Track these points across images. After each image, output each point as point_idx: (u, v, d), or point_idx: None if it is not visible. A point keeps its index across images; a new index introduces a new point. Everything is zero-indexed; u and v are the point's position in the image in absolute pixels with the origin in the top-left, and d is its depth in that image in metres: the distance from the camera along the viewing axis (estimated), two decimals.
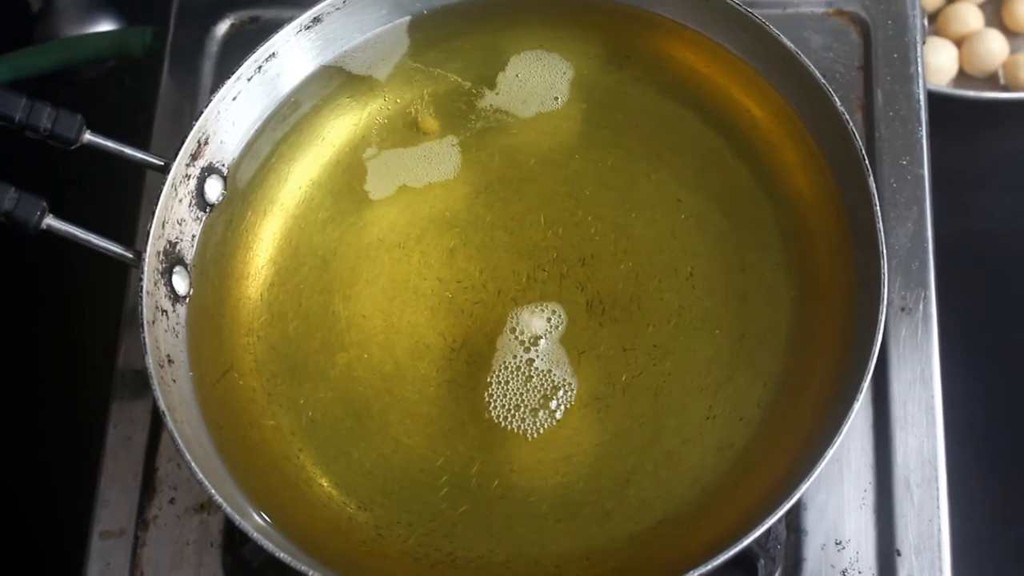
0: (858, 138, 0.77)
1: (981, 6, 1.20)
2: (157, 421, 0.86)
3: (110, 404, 0.87)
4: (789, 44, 0.80)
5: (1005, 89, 1.16)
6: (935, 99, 0.95)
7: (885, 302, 0.73)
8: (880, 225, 0.75)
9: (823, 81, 0.79)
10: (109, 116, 0.86)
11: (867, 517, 0.81)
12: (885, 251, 0.74)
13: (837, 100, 0.78)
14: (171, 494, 0.85)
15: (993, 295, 1.06)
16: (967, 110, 1.13)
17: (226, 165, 0.85)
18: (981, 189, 1.11)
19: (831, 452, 0.70)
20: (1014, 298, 1.06)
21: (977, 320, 1.02)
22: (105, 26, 1.12)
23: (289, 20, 0.84)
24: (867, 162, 0.76)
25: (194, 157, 0.82)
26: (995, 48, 1.16)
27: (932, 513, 0.80)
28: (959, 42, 1.18)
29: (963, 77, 1.18)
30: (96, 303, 0.92)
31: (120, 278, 0.90)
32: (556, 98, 0.88)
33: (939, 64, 1.16)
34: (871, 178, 0.76)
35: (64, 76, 1.09)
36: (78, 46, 1.07)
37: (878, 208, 0.75)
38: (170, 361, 0.78)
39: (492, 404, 0.79)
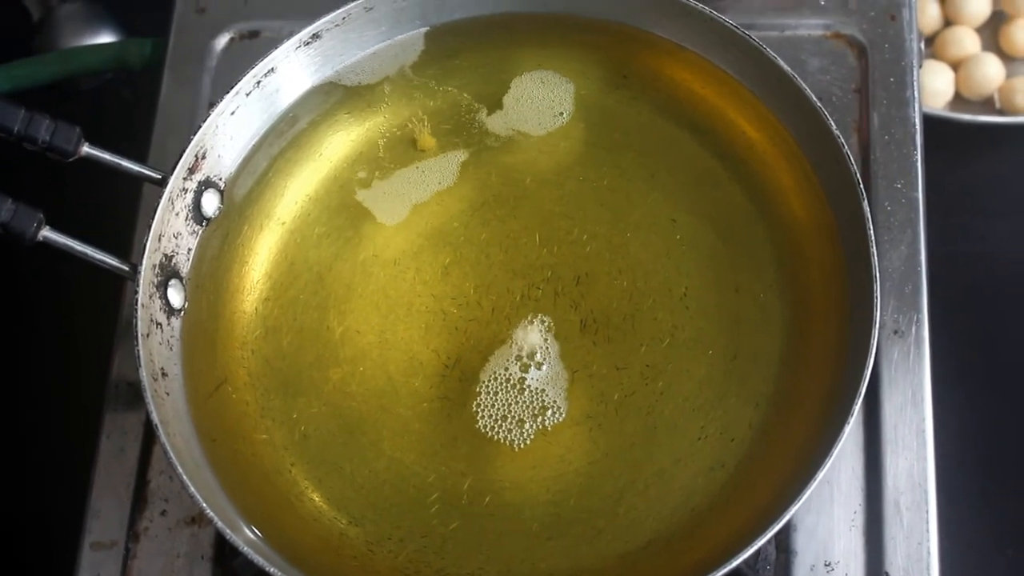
0: (852, 161, 0.77)
1: (978, 30, 1.20)
2: (150, 433, 0.86)
3: (103, 415, 0.87)
4: (785, 66, 0.81)
5: (1001, 113, 1.17)
6: (930, 122, 0.95)
7: (878, 325, 0.73)
8: (873, 248, 0.75)
9: (818, 103, 0.79)
10: (107, 128, 0.86)
11: (856, 539, 0.81)
12: (878, 274, 0.74)
13: (832, 123, 0.78)
14: (162, 506, 0.85)
15: (986, 319, 1.06)
16: (962, 134, 1.13)
17: (223, 179, 0.85)
18: (975, 213, 1.11)
19: (822, 474, 0.70)
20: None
21: (969, 344, 1.02)
22: (105, 38, 1.12)
23: (289, 35, 0.85)
24: (861, 185, 0.76)
25: (191, 171, 0.82)
26: (991, 72, 1.16)
27: (921, 536, 0.80)
28: (955, 66, 1.18)
29: (959, 101, 1.18)
30: (91, 315, 0.92)
31: (115, 290, 0.90)
32: (558, 115, 0.88)
33: (935, 87, 1.16)
34: (865, 201, 0.76)
35: (63, 87, 1.09)
36: (77, 57, 1.07)
37: (872, 231, 0.75)
38: (164, 374, 0.78)
39: (480, 415, 0.80)
